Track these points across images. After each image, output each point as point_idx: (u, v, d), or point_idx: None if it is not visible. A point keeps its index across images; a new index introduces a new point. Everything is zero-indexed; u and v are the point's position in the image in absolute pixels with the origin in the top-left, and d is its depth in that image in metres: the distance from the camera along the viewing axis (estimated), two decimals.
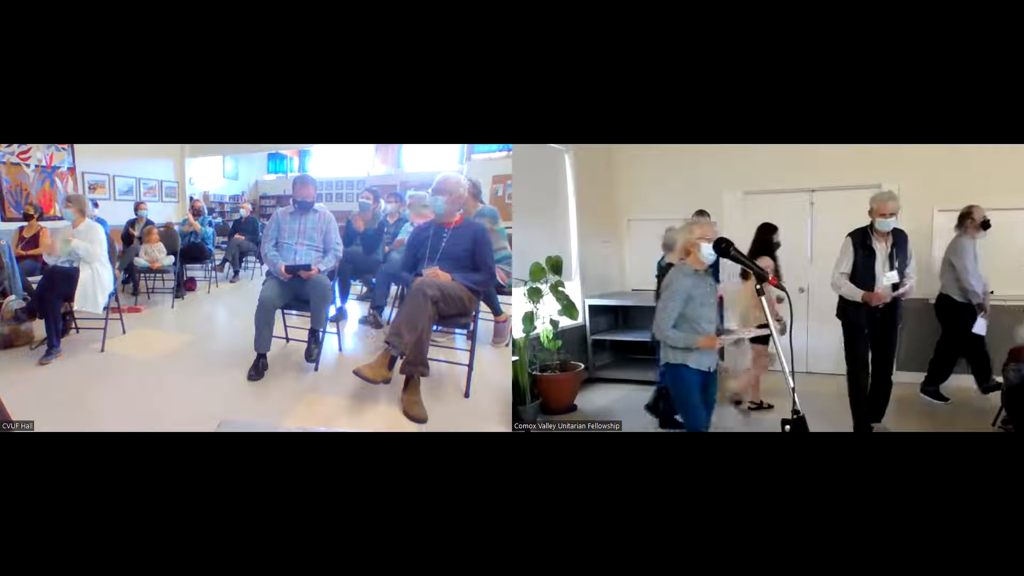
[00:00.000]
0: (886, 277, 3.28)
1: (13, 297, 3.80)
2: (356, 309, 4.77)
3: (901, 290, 3.32)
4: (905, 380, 4.50)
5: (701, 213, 4.04)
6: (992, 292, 4.23)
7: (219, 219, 8.33)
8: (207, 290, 5.88)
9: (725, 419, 3.96)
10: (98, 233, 3.79)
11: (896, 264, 3.30)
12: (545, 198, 4.78)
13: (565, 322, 4.20)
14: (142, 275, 5.24)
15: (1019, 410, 3.13)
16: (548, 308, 4.06)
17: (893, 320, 3.38)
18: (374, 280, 4.56)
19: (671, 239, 3.81)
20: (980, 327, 3.83)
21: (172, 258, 5.20)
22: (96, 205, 4.90)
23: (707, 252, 2.43)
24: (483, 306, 3.61)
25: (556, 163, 4.91)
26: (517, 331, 4.00)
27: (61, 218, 4.24)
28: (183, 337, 4.30)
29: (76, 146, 5.53)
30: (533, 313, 3.99)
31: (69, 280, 3.66)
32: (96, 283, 3.72)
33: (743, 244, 4.40)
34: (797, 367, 1.93)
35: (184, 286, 5.58)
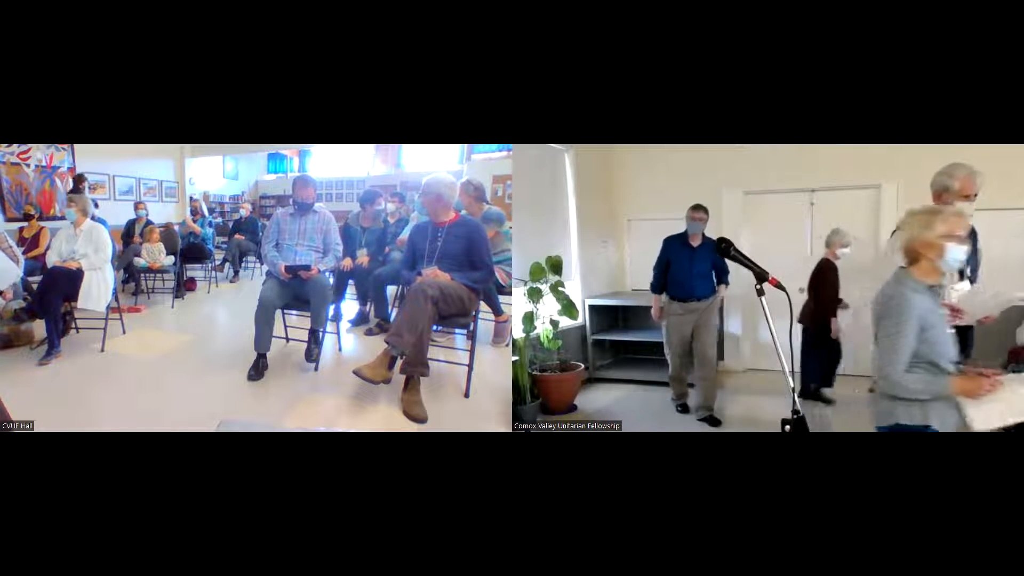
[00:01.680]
0: (955, 288, 2.28)
1: (13, 297, 3.80)
2: (354, 309, 4.77)
3: (985, 308, 2.29)
4: None
5: (698, 208, 3.75)
6: None
7: (219, 219, 8.34)
8: (207, 290, 5.88)
9: (725, 419, 3.96)
10: (102, 235, 3.81)
11: (968, 272, 2.36)
12: (545, 198, 4.78)
13: (565, 322, 4.20)
14: (142, 275, 5.24)
15: None
16: (548, 308, 4.06)
17: (966, 346, 2.39)
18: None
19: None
20: None
21: (172, 258, 5.21)
22: (96, 205, 4.90)
23: (955, 257, 1.76)
24: (483, 306, 3.61)
25: (556, 163, 4.91)
26: (517, 331, 4.00)
27: (61, 218, 4.25)
28: (183, 337, 4.30)
29: (76, 146, 5.54)
30: (533, 313, 3.99)
31: (70, 280, 3.67)
32: (100, 282, 3.74)
33: (745, 245, 4.42)
34: (797, 367, 1.93)
35: (184, 286, 5.58)
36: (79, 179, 5.09)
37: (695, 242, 3.80)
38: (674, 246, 3.84)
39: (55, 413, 2.86)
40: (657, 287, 3.91)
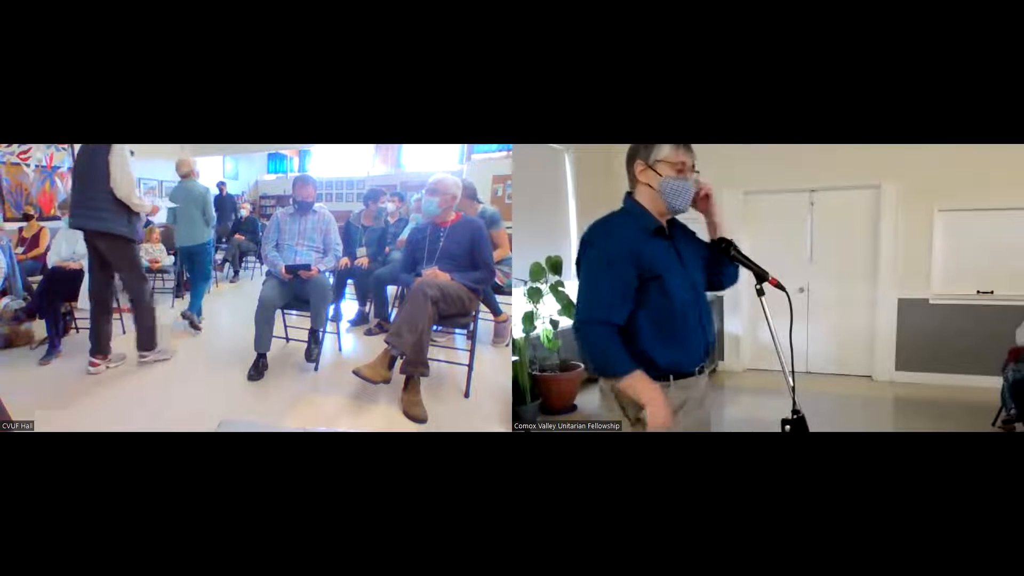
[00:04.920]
0: None
1: (13, 296, 3.80)
2: (354, 309, 4.77)
3: None
4: (905, 380, 4.51)
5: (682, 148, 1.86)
6: (992, 292, 4.24)
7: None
8: (207, 290, 5.87)
9: (725, 419, 3.97)
10: None
11: None
12: (545, 198, 4.78)
13: (565, 322, 4.20)
14: None
15: None
16: (548, 308, 4.06)
17: None
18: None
19: None
20: None
21: (172, 258, 5.20)
22: None
23: None
24: (483, 306, 3.61)
25: (556, 163, 4.91)
26: (517, 331, 4.00)
27: (62, 218, 4.25)
28: (183, 337, 4.30)
29: (76, 146, 5.53)
30: (533, 313, 3.99)
31: (71, 280, 3.68)
32: None
33: (745, 245, 4.41)
34: (797, 367, 1.92)
35: (184, 286, 5.58)
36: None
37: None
38: (641, 240, 1.83)
39: (55, 413, 2.86)
40: (622, 357, 1.75)
